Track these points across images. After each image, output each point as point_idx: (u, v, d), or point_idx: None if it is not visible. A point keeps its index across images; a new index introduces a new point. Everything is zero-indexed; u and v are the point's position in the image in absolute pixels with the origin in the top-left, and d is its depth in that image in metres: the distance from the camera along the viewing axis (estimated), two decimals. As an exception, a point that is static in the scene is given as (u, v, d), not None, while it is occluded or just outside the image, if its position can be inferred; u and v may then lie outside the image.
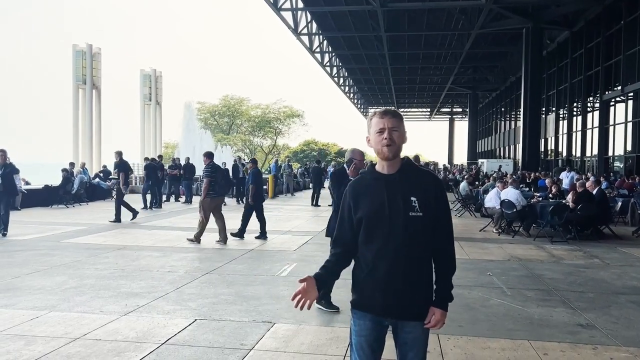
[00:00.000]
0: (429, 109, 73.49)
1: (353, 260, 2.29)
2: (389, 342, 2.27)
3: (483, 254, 8.41)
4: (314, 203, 17.34)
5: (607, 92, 22.86)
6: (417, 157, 10.63)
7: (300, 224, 12.13)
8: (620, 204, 12.47)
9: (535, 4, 23.49)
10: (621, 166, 22.14)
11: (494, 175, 20.53)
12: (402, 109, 68.46)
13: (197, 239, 9.08)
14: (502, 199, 10.76)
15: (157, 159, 18.31)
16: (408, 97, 62.01)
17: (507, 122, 43.69)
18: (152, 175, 15.84)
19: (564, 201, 10.72)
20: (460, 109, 70.27)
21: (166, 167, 18.94)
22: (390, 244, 2.11)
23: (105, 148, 26.80)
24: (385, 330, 2.24)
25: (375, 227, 2.14)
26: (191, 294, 5.65)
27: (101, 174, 20.04)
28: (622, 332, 4.56)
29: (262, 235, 9.78)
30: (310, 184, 21.65)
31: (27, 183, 16.78)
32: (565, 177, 17.89)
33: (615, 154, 22.67)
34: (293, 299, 2.11)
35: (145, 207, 15.17)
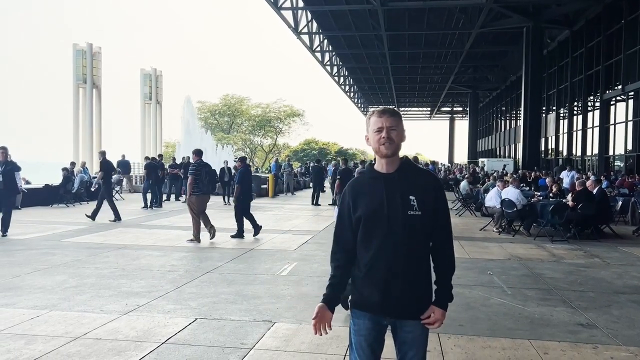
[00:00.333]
0: (429, 108, 73.48)
1: None
2: (389, 341, 2.27)
3: (483, 253, 8.41)
4: (314, 202, 17.33)
5: (607, 91, 22.85)
6: (415, 158, 10.65)
7: (300, 223, 12.12)
8: (620, 203, 12.47)
9: (536, 3, 23.47)
10: (621, 165, 22.14)
11: (494, 174, 20.53)
12: (402, 108, 68.47)
13: (196, 238, 9.09)
14: (502, 198, 10.76)
15: (157, 158, 18.30)
16: (408, 97, 61.99)
17: (508, 122, 43.69)
18: (152, 175, 15.85)
19: (564, 200, 10.72)
20: (460, 108, 70.26)
21: (166, 166, 18.94)
22: (389, 243, 2.11)
23: (106, 147, 26.78)
24: (384, 329, 2.24)
25: (374, 226, 2.14)
26: (191, 293, 5.65)
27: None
28: (622, 332, 4.56)
29: (256, 231, 9.72)
30: (311, 183, 21.64)
31: (28, 182, 16.78)
32: (566, 177, 17.88)
33: (616, 153, 22.67)
34: (315, 332, 2.20)
35: (146, 206, 15.17)
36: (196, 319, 4.72)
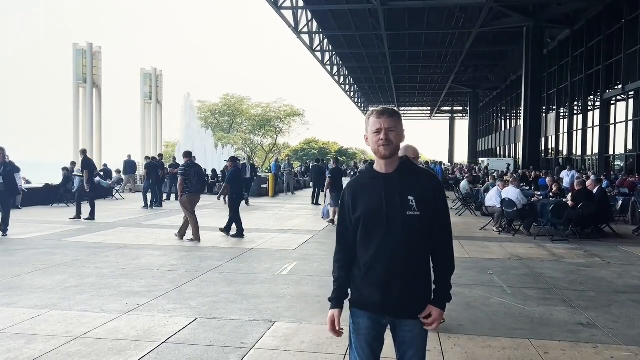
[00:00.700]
0: (429, 108, 73.45)
1: None
2: (389, 340, 2.27)
3: (484, 253, 8.41)
4: (314, 202, 17.34)
5: (607, 91, 22.84)
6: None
7: (300, 223, 12.12)
8: (620, 202, 12.47)
9: (536, 3, 23.46)
10: (622, 165, 22.13)
11: (494, 174, 20.52)
12: (402, 108, 68.46)
13: (196, 237, 9.12)
14: (502, 198, 10.76)
15: (157, 157, 18.30)
16: (408, 96, 61.97)
17: (508, 121, 43.70)
18: (152, 174, 15.85)
19: (564, 200, 10.72)
20: (460, 108, 70.24)
21: (166, 165, 18.94)
22: (388, 242, 2.11)
23: (106, 147, 26.88)
24: (384, 328, 2.25)
25: (374, 226, 2.14)
26: (192, 292, 5.65)
27: (102, 173, 20.03)
28: (622, 331, 4.56)
29: (226, 230, 9.80)
30: (311, 183, 21.63)
31: (28, 182, 16.79)
32: (566, 176, 17.89)
33: (616, 152, 22.66)
34: (334, 334, 2.26)
35: (146, 205, 15.18)
36: (196, 318, 4.72)
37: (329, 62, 37.67)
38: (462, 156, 65.59)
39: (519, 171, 22.71)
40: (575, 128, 26.95)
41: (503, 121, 45.84)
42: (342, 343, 4.03)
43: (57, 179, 16.70)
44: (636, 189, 14.65)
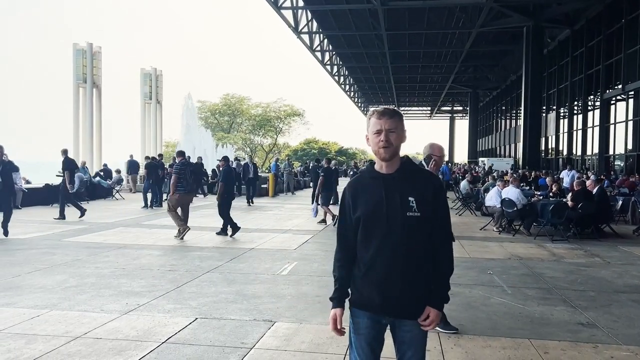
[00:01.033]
0: (429, 108, 73.48)
1: None
2: (389, 340, 2.27)
3: (484, 253, 8.41)
4: (314, 202, 17.31)
5: (607, 91, 22.84)
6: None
7: (300, 223, 12.12)
8: (620, 202, 12.47)
9: (536, 3, 23.47)
10: (622, 165, 22.13)
11: (494, 174, 20.52)
12: (402, 108, 68.44)
13: (180, 234, 9.30)
14: (502, 198, 10.76)
15: (157, 157, 18.30)
16: (409, 96, 62.01)
17: (508, 121, 43.71)
18: (152, 174, 15.85)
19: (564, 200, 10.72)
20: (460, 108, 70.27)
21: (167, 165, 18.93)
22: (388, 243, 2.12)
23: (106, 147, 26.84)
24: (383, 328, 2.25)
25: (374, 226, 2.15)
26: (192, 292, 5.65)
27: (102, 173, 20.05)
28: (622, 331, 4.56)
29: (223, 231, 9.87)
30: (311, 183, 21.62)
31: (28, 182, 16.78)
32: (566, 176, 17.88)
33: (616, 152, 22.66)
34: (337, 333, 2.26)
35: (146, 205, 15.18)
36: (196, 318, 4.72)
37: (329, 62, 37.69)
38: (462, 156, 65.60)
39: (519, 171, 22.72)
40: (575, 128, 26.95)
41: (503, 121, 45.86)
42: (342, 343, 4.03)
43: (57, 179, 16.67)
44: (636, 189, 14.65)
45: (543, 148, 30.62)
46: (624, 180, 16.54)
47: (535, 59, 24.47)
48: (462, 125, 76.43)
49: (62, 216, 12.02)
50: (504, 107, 45.45)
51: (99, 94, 26.28)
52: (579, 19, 25.30)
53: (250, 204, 16.56)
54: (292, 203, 18.06)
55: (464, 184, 15.92)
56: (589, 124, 24.96)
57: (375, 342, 2.23)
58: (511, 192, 10.66)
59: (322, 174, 12.12)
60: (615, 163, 22.95)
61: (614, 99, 22.80)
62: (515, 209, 10.44)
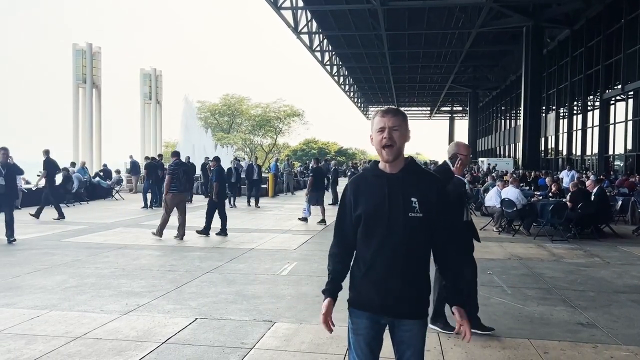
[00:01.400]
0: (429, 108, 73.51)
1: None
2: (388, 340, 2.28)
3: (483, 253, 8.40)
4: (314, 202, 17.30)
5: (607, 91, 22.86)
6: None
7: (300, 223, 12.12)
8: (620, 202, 12.47)
9: (536, 3, 23.48)
10: (621, 165, 22.14)
11: (494, 174, 20.52)
12: (402, 108, 67.86)
13: (159, 233, 9.37)
14: (502, 198, 10.76)
15: (157, 158, 18.30)
16: (408, 96, 62.04)
17: (507, 121, 43.72)
18: (152, 174, 15.85)
19: (564, 200, 10.72)
20: (460, 108, 70.29)
21: (166, 166, 18.92)
22: (388, 242, 2.12)
23: (106, 147, 26.87)
24: (383, 328, 2.25)
25: (375, 225, 2.15)
26: (192, 293, 5.65)
27: (101, 173, 20.05)
28: (622, 331, 4.56)
29: (223, 232, 9.93)
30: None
31: (28, 182, 16.76)
32: (566, 176, 17.88)
33: (616, 152, 22.67)
34: (326, 327, 2.27)
35: (146, 206, 15.18)
36: (196, 318, 4.72)
37: (328, 62, 37.70)
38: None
39: (518, 171, 22.72)
40: (574, 128, 26.96)
41: (503, 121, 45.87)
42: (342, 343, 4.03)
43: (56, 179, 16.66)
44: (636, 189, 14.65)
45: (543, 148, 30.63)
46: (624, 180, 16.54)
47: (535, 59, 24.48)
48: (462, 126, 76.60)
49: (61, 216, 12.04)
50: (503, 107, 45.46)
51: (98, 94, 26.29)
52: (578, 19, 25.31)
53: (251, 204, 16.43)
54: (292, 203, 18.05)
55: (463, 184, 15.88)
56: (589, 124, 24.97)
57: (374, 342, 2.23)
58: (511, 192, 10.67)
59: (310, 174, 12.29)
60: (615, 163, 22.96)
61: (613, 99, 22.81)
62: (515, 209, 10.45)
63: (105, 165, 21.48)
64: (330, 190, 17.57)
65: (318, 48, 32.94)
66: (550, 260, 7.85)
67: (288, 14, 25.58)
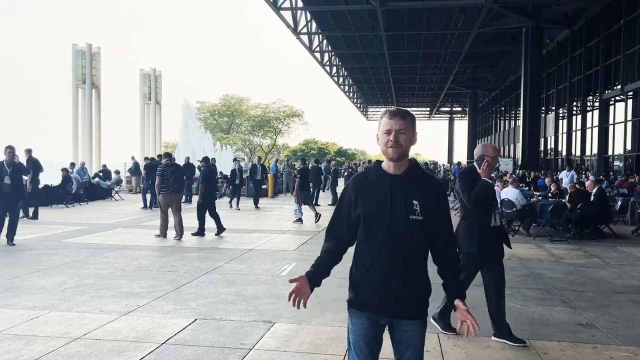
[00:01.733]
0: (428, 108, 73.49)
1: (351, 259, 2.29)
2: (387, 341, 2.28)
3: (483, 253, 8.40)
4: (313, 202, 17.31)
5: (606, 91, 22.86)
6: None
7: (297, 225, 12.11)
8: (620, 203, 12.47)
9: (536, 3, 23.47)
10: (621, 165, 22.16)
11: (493, 174, 20.50)
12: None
13: (162, 234, 9.51)
14: (501, 198, 10.76)
15: (156, 158, 18.28)
16: (408, 96, 62.04)
17: (507, 122, 43.72)
18: (151, 175, 15.81)
19: (563, 200, 10.73)
20: (459, 108, 70.28)
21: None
22: (388, 243, 2.12)
23: (105, 147, 26.83)
24: (382, 329, 2.25)
25: (376, 224, 2.15)
26: (191, 293, 5.65)
27: (101, 174, 20.05)
28: (622, 331, 4.56)
29: (219, 230, 9.99)
30: (310, 184, 21.60)
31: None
32: (565, 176, 17.88)
33: (615, 153, 22.68)
34: (289, 299, 2.21)
35: (145, 206, 15.17)
36: (196, 319, 4.72)
37: (328, 63, 37.68)
38: (461, 157, 65.58)
39: (517, 171, 22.73)
40: (574, 128, 26.96)
41: (502, 122, 45.87)
42: (342, 344, 4.03)
43: (56, 179, 16.67)
44: (635, 190, 14.66)
45: (542, 149, 30.61)
46: (623, 180, 16.54)
47: (534, 60, 24.47)
48: (461, 126, 76.53)
49: (26, 215, 12.05)
50: (503, 108, 45.45)
51: (98, 95, 26.27)
52: (578, 19, 25.32)
53: (259, 207, 16.21)
54: (292, 204, 18.02)
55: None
56: (588, 124, 24.97)
57: (374, 342, 2.23)
58: (510, 193, 10.67)
59: (298, 175, 12.38)
60: (614, 164, 22.97)
61: (613, 99, 22.81)
62: (514, 209, 10.44)
63: (104, 166, 21.47)
64: (330, 190, 17.58)
65: (317, 48, 32.94)
66: (550, 261, 7.86)
67: (288, 15, 25.58)
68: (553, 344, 4.23)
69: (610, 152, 23.00)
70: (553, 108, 30.76)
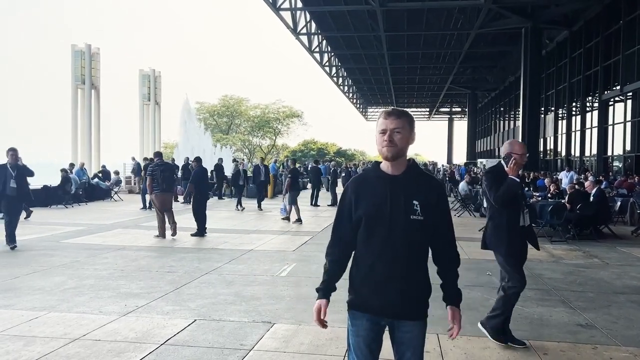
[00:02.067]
0: (428, 109, 73.54)
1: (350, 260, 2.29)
2: (387, 341, 2.27)
3: (483, 254, 8.35)
4: (313, 203, 17.33)
5: (606, 92, 22.88)
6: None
7: (297, 225, 12.11)
8: (619, 203, 12.48)
9: (535, 4, 23.50)
10: (620, 166, 22.17)
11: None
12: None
13: (160, 234, 9.57)
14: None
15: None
16: (407, 97, 62.07)
17: (506, 122, 43.74)
18: (150, 176, 15.81)
19: (563, 201, 10.73)
20: (459, 109, 70.33)
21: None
22: (389, 244, 2.12)
23: (105, 148, 26.82)
24: (382, 329, 2.25)
25: (376, 225, 2.14)
26: (190, 294, 5.64)
27: (100, 174, 20.04)
28: (621, 332, 4.56)
29: (199, 232, 9.98)
30: (309, 184, 21.62)
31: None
32: (565, 177, 17.89)
33: (614, 153, 22.69)
34: (323, 326, 2.27)
35: (145, 207, 15.17)
36: (195, 320, 4.72)
37: (327, 63, 37.69)
38: (460, 157, 65.60)
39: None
40: (573, 129, 26.98)
41: (502, 122, 45.89)
42: (341, 344, 4.03)
43: (55, 179, 16.66)
44: (635, 190, 14.66)
45: (542, 149, 30.64)
46: (623, 181, 16.55)
47: (533, 60, 24.49)
48: (461, 127, 76.62)
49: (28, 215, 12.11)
50: (502, 109, 45.48)
51: (97, 95, 26.26)
52: (577, 20, 25.34)
53: (262, 208, 15.94)
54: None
55: (462, 185, 15.92)
56: (588, 125, 24.99)
57: (374, 343, 2.23)
58: (510, 193, 10.65)
59: (289, 175, 12.45)
60: (614, 164, 22.99)
61: (612, 100, 22.83)
62: (514, 210, 10.43)
63: (104, 166, 21.46)
64: (329, 191, 17.57)
65: (317, 49, 32.94)
66: (550, 261, 7.86)
67: (287, 15, 25.58)
68: (553, 344, 4.23)
69: (609, 153, 23.01)
70: (552, 109, 30.78)
